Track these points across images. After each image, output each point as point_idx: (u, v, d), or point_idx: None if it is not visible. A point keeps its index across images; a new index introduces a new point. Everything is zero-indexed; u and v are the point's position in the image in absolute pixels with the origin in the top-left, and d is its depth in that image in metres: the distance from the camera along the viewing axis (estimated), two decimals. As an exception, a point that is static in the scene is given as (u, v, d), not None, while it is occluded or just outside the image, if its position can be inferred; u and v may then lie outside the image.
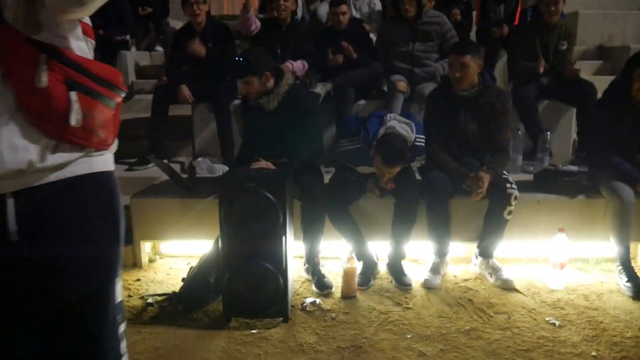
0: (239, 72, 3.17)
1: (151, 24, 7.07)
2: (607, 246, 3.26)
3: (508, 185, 3.09)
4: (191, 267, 3.11)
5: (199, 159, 4.34)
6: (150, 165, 4.33)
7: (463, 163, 3.23)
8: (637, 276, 3.04)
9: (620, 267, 3.08)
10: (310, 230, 3.16)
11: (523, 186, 3.33)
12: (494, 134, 3.21)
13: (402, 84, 4.33)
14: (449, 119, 3.25)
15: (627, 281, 3.02)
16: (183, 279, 3.07)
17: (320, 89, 4.36)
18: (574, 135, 4.59)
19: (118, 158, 4.73)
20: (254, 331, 2.68)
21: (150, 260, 3.61)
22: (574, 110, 4.50)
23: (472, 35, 6.09)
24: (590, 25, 6.93)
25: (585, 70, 5.52)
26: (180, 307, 2.92)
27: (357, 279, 3.08)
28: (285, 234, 2.63)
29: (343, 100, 4.34)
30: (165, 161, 4.21)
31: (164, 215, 3.49)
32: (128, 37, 5.97)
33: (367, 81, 4.53)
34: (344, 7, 4.64)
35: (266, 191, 2.57)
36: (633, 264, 3.14)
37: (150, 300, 2.99)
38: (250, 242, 2.63)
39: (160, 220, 3.49)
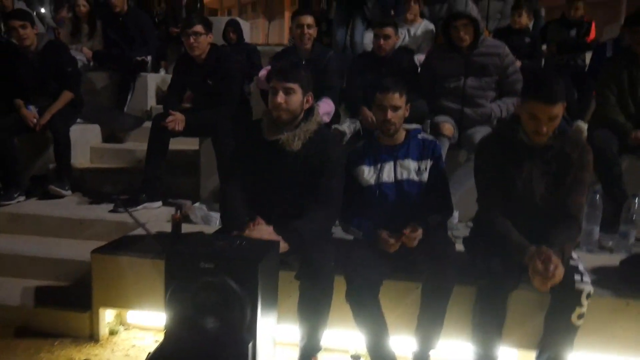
0: (283, 74, 2.46)
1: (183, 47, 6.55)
2: None
3: (577, 277, 2.20)
4: (148, 354, 2.36)
5: (196, 204, 3.65)
6: (139, 208, 3.66)
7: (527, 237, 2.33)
8: None
9: None
10: (309, 319, 2.37)
11: (602, 275, 2.43)
12: (563, 195, 2.35)
13: (448, 127, 3.50)
14: (508, 175, 2.39)
15: None
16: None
17: (348, 126, 3.60)
18: (667, 202, 3.62)
19: (114, 194, 4.21)
20: None
21: (112, 332, 2.89)
22: (667, 170, 3.56)
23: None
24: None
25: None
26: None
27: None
28: (253, 338, 1.84)
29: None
30: (137, 209, 3.60)
31: (134, 276, 2.77)
32: (149, 57, 5.43)
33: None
34: (388, 30, 3.89)
35: (229, 277, 1.80)
36: None
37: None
38: (204, 346, 1.84)
39: (127, 283, 2.77)
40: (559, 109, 2.21)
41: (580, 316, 2.19)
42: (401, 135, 2.67)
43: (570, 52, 5.04)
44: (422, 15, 5.53)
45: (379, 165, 2.65)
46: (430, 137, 2.74)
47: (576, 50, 5.13)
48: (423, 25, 5.28)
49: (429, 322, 2.38)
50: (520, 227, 2.32)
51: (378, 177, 2.64)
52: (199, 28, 3.65)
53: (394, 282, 2.50)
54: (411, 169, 2.63)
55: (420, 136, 2.70)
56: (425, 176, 2.63)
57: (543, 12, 6.73)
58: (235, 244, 1.96)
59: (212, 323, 1.84)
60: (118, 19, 5.41)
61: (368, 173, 2.65)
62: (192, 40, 3.65)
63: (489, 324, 2.31)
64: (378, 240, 2.50)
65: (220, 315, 1.84)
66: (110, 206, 3.70)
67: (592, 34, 5.28)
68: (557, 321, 2.24)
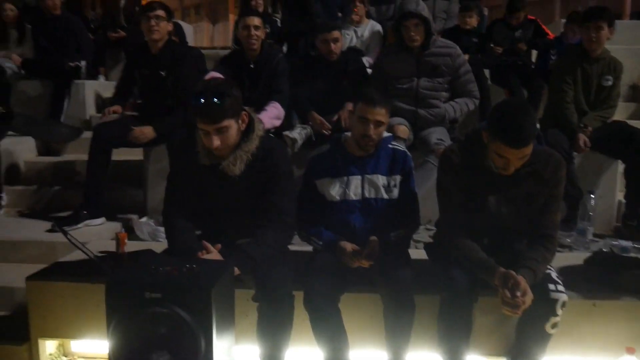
0: (209, 117, 2.12)
1: (123, 52, 6.24)
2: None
3: (552, 286, 2.14)
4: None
5: (142, 219, 3.42)
6: (80, 225, 3.40)
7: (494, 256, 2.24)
8: None
9: None
10: (271, 342, 2.21)
11: (566, 275, 2.38)
12: (537, 214, 2.24)
13: (402, 129, 3.41)
14: (473, 198, 2.25)
15: None
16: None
17: (299, 132, 3.47)
18: (619, 197, 3.67)
19: (53, 211, 3.92)
20: None
21: (54, 365, 2.65)
22: (619, 164, 3.60)
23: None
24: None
25: (618, 113, 4.65)
26: None
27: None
28: (209, 371, 1.67)
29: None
30: (78, 227, 3.37)
31: (75, 303, 2.53)
32: (82, 63, 5.11)
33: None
34: (336, 34, 3.78)
35: (179, 307, 1.62)
36: None
37: None
38: (154, 384, 1.67)
39: (68, 311, 2.54)
40: (529, 148, 2.05)
41: (554, 325, 2.13)
42: None
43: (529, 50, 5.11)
44: (369, 16, 5.47)
45: (345, 179, 2.48)
46: (401, 147, 2.57)
47: (536, 49, 5.20)
48: (370, 26, 5.21)
49: (395, 337, 2.27)
50: (486, 247, 2.23)
51: (344, 193, 2.47)
52: (160, 12, 3.53)
53: (356, 294, 2.39)
54: (379, 186, 2.47)
55: (391, 145, 2.54)
56: (394, 193, 2.48)
57: (486, 12, 6.82)
58: (185, 268, 1.78)
59: (162, 357, 1.66)
60: (49, 24, 5.07)
61: (333, 187, 2.47)
62: (153, 22, 3.49)
63: (455, 335, 2.23)
64: (339, 252, 2.37)
65: (171, 349, 1.66)
66: (48, 225, 3.43)
67: (550, 33, 5.33)
68: (530, 330, 2.18)
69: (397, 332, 2.26)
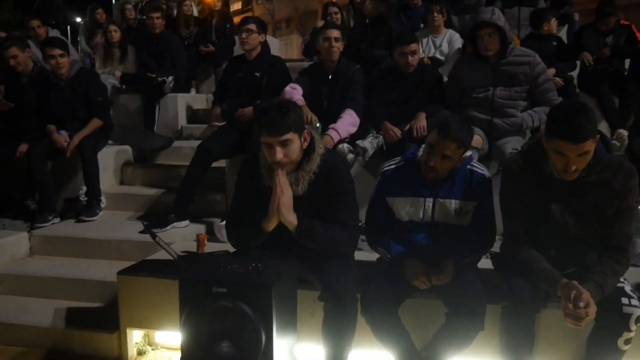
0: (274, 129, 2.18)
1: (212, 66, 6.62)
2: None
3: (625, 300, 2.06)
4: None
5: (223, 222, 3.63)
6: (168, 228, 3.68)
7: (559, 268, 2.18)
8: None
9: None
10: (334, 342, 2.27)
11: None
12: (607, 226, 2.16)
13: (477, 139, 3.37)
14: (537, 208, 2.20)
15: None
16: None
17: (370, 142, 3.54)
18: None
19: (147, 212, 4.25)
20: None
21: (140, 353, 2.90)
22: None
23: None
24: None
25: None
26: None
27: None
28: (269, 363, 1.79)
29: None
30: (166, 229, 3.64)
31: (159, 297, 2.77)
32: (169, 78, 5.47)
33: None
34: (414, 46, 3.81)
35: (242, 302, 1.76)
36: None
37: None
38: (220, 372, 1.81)
39: (153, 304, 2.78)
40: (589, 145, 1.97)
41: (627, 341, 2.06)
42: None
43: (620, 58, 4.86)
44: (451, 26, 5.44)
45: (416, 201, 2.42)
46: (480, 169, 2.44)
47: (627, 56, 4.93)
48: (448, 36, 5.19)
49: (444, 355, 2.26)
50: (554, 258, 2.18)
51: (414, 214, 2.43)
52: (252, 26, 3.91)
53: (418, 300, 2.41)
54: (451, 211, 2.39)
55: (469, 167, 2.43)
56: (467, 219, 2.41)
57: (577, 17, 6.52)
58: (251, 267, 1.92)
59: (227, 348, 1.81)
60: (151, 42, 5.53)
61: (403, 207, 2.44)
62: (244, 35, 3.88)
63: (517, 346, 2.20)
64: (408, 269, 2.33)
65: (235, 340, 1.80)
66: (141, 226, 3.73)
67: None
68: (602, 345, 2.12)
69: (449, 343, 2.23)
